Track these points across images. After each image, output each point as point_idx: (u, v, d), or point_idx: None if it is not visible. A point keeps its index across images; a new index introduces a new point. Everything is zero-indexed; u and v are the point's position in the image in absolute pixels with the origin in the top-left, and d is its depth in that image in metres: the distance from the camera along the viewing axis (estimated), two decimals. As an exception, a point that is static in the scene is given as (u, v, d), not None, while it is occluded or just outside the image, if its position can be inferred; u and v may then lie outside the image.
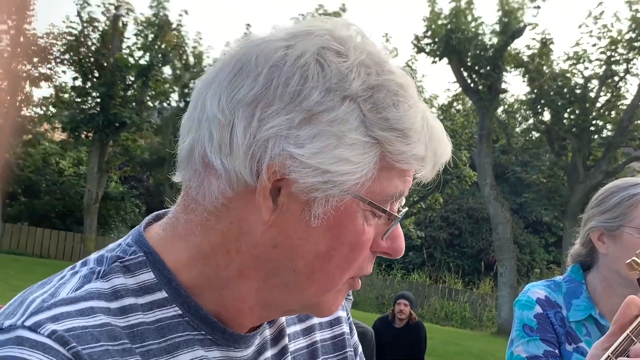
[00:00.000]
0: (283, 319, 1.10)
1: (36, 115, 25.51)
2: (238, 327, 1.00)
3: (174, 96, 25.21)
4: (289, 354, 1.09)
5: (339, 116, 0.88)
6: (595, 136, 19.65)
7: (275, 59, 0.90)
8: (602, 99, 19.82)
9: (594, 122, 19.47)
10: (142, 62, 23.39)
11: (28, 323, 0.87)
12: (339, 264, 0.94)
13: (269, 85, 0.89)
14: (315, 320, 1.17)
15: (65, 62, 23.98)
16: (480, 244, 28.11)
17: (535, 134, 23.65)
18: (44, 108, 25.55)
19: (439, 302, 21.15)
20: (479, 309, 20.82)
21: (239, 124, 0.89)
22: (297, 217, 0.91)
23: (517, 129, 25.06)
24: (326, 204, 0.90)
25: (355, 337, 1.24)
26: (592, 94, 19.62)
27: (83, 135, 23.42)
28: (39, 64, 24.02)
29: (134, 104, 23.48)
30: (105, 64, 23.04)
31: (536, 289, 2.11)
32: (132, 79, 23.37)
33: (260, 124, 0.89)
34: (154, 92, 24.20)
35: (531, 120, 22.73)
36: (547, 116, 20.33)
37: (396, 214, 0.95)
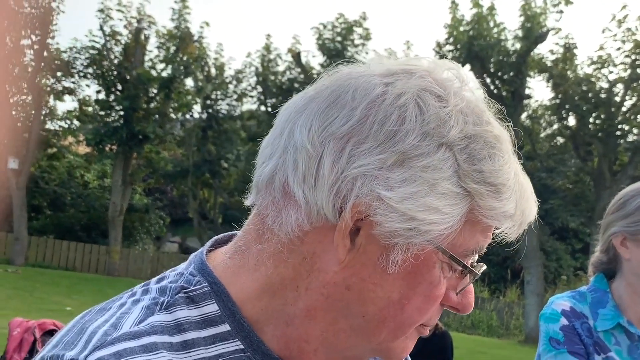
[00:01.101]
0: None
1: (60, 129, 25.80)
2: None
3: (197, 108, 25.44)
4: None
5: (433, 163, 0.84)
6: (622, 141, 19.45)
7: (373, 95, 0.87)
8: (628, 103, 19.62)
9: (619, 126, 19.28)
10: (164, 74, 23.60)
11: (91, 359, 0.84)
12: (410, 313, 0.90)
13: (365, 121, 0.86)
14: None
15: (89, 75, 24.25)
16: (506, 252, 27.89)
17: (560, 140, 23.47)
18: (68, 122, 25.84)
19: (465, 310, 20.97)
20: (505, 317, 20.63)
21: (327, 156, 0.86)
22: (374, 261, 0.88)
23: (542, 135, 24.86)
24: (407, 252, 0.87)
25: None
26: (618, 98, 19.43)
27: (107, 148, 23.66)
28: (63, 78, 24.31)
29: (156, 116, 23.68)
30: (128, 77, 23.26)
31: (560, 301, 2.05)
32: (155, 91, 23.58)
33: (350, 160, 0.85)
34: (176, 104, 24.38)
35: (556, 126, 22.55)
36: (572, 121, 20.17)
37: (475, 270, 0.91)
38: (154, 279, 0.97)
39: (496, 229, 0.91)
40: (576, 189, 20.27)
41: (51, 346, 0.87)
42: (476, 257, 0.93)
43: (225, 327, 0.92)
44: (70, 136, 26.01)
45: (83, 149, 27.02)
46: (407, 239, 0.86)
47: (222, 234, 1.03)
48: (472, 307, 0.94)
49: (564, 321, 1.99)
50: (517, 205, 0.88)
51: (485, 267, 0.94)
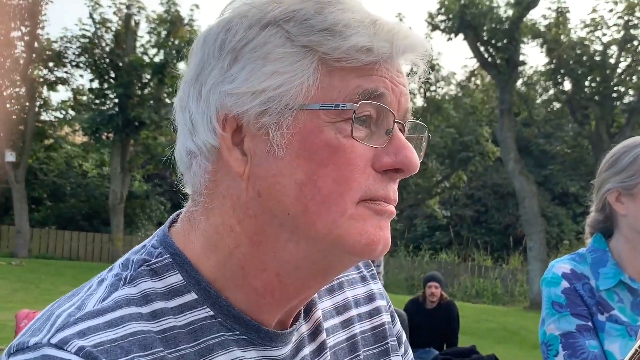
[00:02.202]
0: (319, 313, 1.04)
1: (56, 120, 25.74)
2: (273, 316, 0.95)
3: (191, 91, 25.30)
4: (328, 349, 1.03)
5: (261, 41, 0.88)
6: (618, 103, 19.42)
7: (204, 33, 0.96)
8: (623, 65, 19.60)
9: (615, 88, 19.25)
10: (156, 59, 23.47)
11: (54, 340, 0.83)
12: (328, 187, 0.86)
13: (203, 55, 0.93)
14: (354, 312, 1.11)
15: (81, 64, 24.14)
16: (507, 220, 27.98)
17: (557, 105, 23.43)
18: (63, 112, 25.78)
19: (469, 280, 21.09)
20: (510, 285, 20.74)
21: (191, 100, 0.93)
22: (264, 155, 0.88)
23: (538, 101, 24.82)
24: (280, 127, 0.87)
25: (398, 325, 1.18)
26: (612, 60, 19.40)
27: (104, 137, 23.61)
28: (55, 68, 24.21)
29: (151, 102, 23.60)
30: (120, 64, 23.15)
31: (560, 264, 2.05)
32: (148, 77, 23.47)
33: (204, 86, 0.91)
34: (170, 89, 24.29)
35: (552, 91, 22.52)
36: (567, 86, 20.14)
37: (381, 104, 0.87)
38: (120, 258, 0.97)
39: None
40: (574, 153, 20.29)
41: (20, 335, 0.87)
42: (407, 117, 0.92)
43: (191, 296, 0.92)
44: (66, 126, 25.96)
45: (80, 138, 26.98)
46: (271, 113, 0.87)
47: (184, 208, 1.03)
48: (413, 162, 0.90)
49: (565, 284, 2.00)
50: (375, 39, 0.86)
51: (412, 121, 0.94)
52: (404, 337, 1.19)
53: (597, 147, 18.67)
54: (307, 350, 1.01)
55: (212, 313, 0.91)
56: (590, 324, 1.96)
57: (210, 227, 0.93)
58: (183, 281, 0.92)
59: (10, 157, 20.96)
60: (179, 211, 1.02)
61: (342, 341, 1.08)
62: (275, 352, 0.95)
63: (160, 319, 0.89)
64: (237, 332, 0.92)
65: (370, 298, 1.15)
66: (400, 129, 0.91)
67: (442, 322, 8.89)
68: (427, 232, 28.30)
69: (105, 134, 23.39)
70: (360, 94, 0.86)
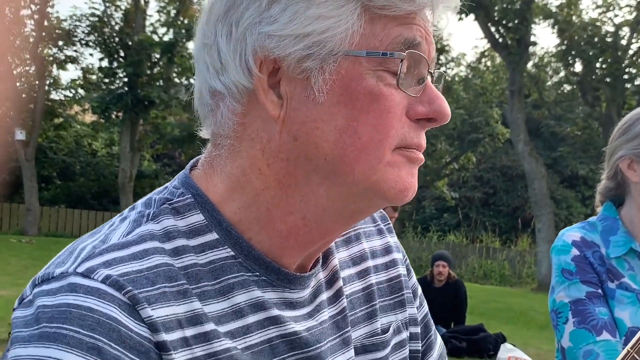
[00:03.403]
0: (336, 261, 1.05)
1: (65, 99, 25.78)
2: (294, 260, 0.96)
3: (200, 71, 25.28)
4: (345, 296, 1.04)
5: None
6: (629, 84, 19.29)
7: None
8: (634, 46, 19.45)
9: (627, 70, 19.11)
10: (165, 39, 23.45)
11: (80, 269, 0.85)
12: (368, 134, 0.87)
13: None
14: (370, 263, 1.12)
15: (91, 43, 24.13)
16: (516, 202, 27.93)
17: (567, 87, 23.30)
18: (73, 91, 25.82)
19: (476, 261, 21.11)
20: (517, 266, 20.75)
21: (220, 37, 0.90)
22: (303, 99, 0.88)
23: (549, 83, 24.69)
24: (323, 72, 0.87)
25: (414, 278, 1.19)
26: (624, 42, 19.24)
27: (113, 116, 23.64)
28: (65, 47, 24.21)
29: (160, 81, 23.60)
30: (130, 43, 23.13)
31: (571, 232, 2.05)
32: (158, 56, 23.46)
33: (237, 25, 0.89)
34: (180, 69, 24.28)
35: (562, 73, 22.38)
36: (578, 67, 20.02)
37: (402, 55, 0.88)
38: (142, 199, 0.98)
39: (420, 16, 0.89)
40: (584, 135, 20.21)
41: (44, 268, 0.89)
42: (434, 65, 0.92)
43: (213, 236, 0.93)
44: (75, 105, 25.99)
45: (89, 117, 27.02)
46: (315, 58, 0.86)
47: (205, 152, 1.03)
48: (446, 112, 0.92)
49: (575, 252, 2.00)
50: None
51: (441, 70, 0.94)
52: (420, 290, 1.20)
53: (608, 129, 18.54)
54: (324, 295, 1.02)
55: (232, 253, 0.92)
56: (600, 291, 1.96)
57: (237, 170, 0.93)
58: (205, 221, 0.93)
59: (20, 135, 21.03)
60: (198, 157, 1.02)
61: (358, 291, 1.08)
62: (294, 295, 0.96)
63: (182, 256, 0.90)
64: (257, 273, 0.93)
65: (387, 250, 1.16)
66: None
67: (449, 300, 8.92)
68: (435, 213, 28.29)
69: (115, 113, 23.42)
70: (401, 42, 0.87)
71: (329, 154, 0.88)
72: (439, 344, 1.24)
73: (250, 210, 0.93)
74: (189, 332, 0.86)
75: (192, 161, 1.02)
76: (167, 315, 0.85)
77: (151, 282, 0.86)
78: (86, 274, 0.84)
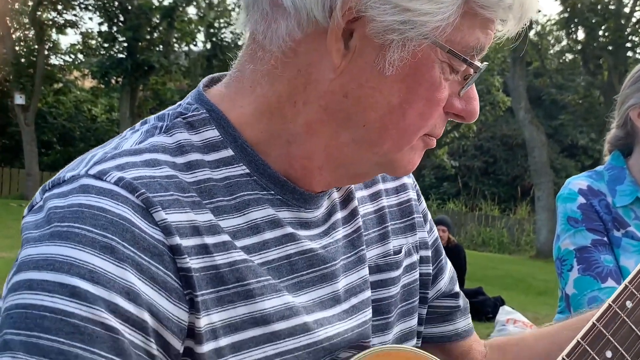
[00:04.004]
0: None
1: (65, 64, 25.64)
2: (307, 187, 0.96)
3: (200, 37, 25.15)
4: (360, 216, 1.05)
5: None
6: (631, 52, 19.20)
7: None
8: (638, 14, 19.31)
9: (629, 38, 19.00)
10: (165, 3, 23.24)
11: (92, 172, 0.84)
12: (413, 119, 0.89)
13: None
14: (381, 186, 1.13)
15: (90, 7, 23.92)
16: (515, 171, 27.92)
17: (569, 56, 23.18)
18: (72, 56, 25.66)
19: (475, 229, 21.17)
20: (516, 234, 20.81)
21: None
22: (370, 64, 0.86)
23: (551, 51, 24.56)
24: (403, 49, 0.85)
25: (424, 204, 1.20)
26: (627, 9, 19.10)
27: (113, 81, 23.53)
28: (64, 11, 23.99)
29: (160, 46, 23.45)
30: (129, 7, 22.93)
31: (577, 181, 2.05)
32: (157, 21, 23.26)
33: None
34: (179, 34, 24.11)
35: (565, 42, 22.25)
36: (581, 35, 19.89)
37: (478, 65, 0.89)
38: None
39: (496, 26, 0.89)
40: (586, 103, 20.16)
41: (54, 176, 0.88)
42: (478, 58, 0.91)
43: (228, 152, 0.92)
44: (75, 70, 25.86)
45: (89, 83, 26.91)
46: (402, 33, 0.84)
47: (218, 73, 1.02)
48: (476, 114, 0.93)
49: (581, 200, 2.00)
50: None
51: (486, 64, 0.93)
52: (429, 216, 1.21)
53: (609, 98, 18.51)
54: (339, 215, 1.02)
55: (247, 171, 0.92)
56: (605, 239, 1.97)
57: (273, 94, 0.91)
58: (220, 137, 0.92)
59: (19, 99, 20.96)
60: (211, 76, 1.01)
61: (371, 212, 1.09)
62: (308, 215, 0.97)
63: (196, 170, 0.89)
64: (272, 192, 0.93)
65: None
66: None
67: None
68: (435, 182, 28.30)
69: (114, 78, 23.31)
70: (476, 48, 0.88)
71: (371, 123, 0.89)
72: (449, 268, 1.26)
73: (272, 137, 0.92)
74: (209, 240, 0.86)
75: (205, 79, 1.00)
76: (181, 221, 0.84)
77: (164, 188, 0.85)
78: (98, 176, 0.83)
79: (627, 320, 0.94)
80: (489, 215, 22.15)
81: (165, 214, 0.82)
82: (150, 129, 0.92)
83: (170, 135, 0.91)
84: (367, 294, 1.02)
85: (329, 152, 0.92)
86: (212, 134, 0.92)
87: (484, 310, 8.44)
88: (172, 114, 0.94)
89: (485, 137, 28.81)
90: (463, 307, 1.28)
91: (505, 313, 7.81)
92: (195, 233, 0.85)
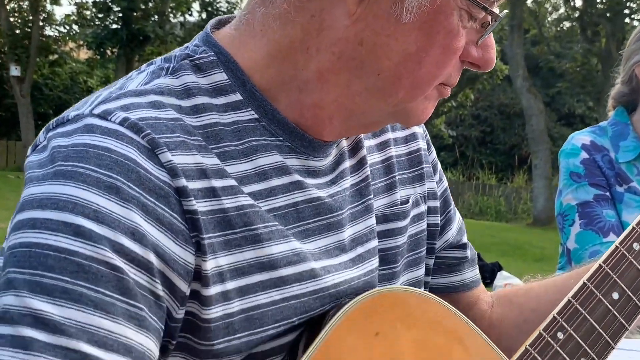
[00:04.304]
0: None
1: (60, 35, 25.42)
2: (315, 135, 0.96)
3: (196, 7, 24.94)
4: (368, 165, 1.05)
5: None
6: (629, 19, 19.09)
7: None
8: (636, -19, 19.14)
9: (627, 4, 18.87)
10: (160, -28, 23.01)
11: (97, 111, 0.83)
12: (428, 68, 0.88)
13: None
14: (390, 135, 1.12)
15: (84, -23, 23.67)
16: (513, 140, 27.88)
17: (567, 24, 23.03)
18: (67, 27, 25.43)
19: (473, 198, 21.19)
20: (513, 202, 20.85)
21: None
22: (387, 10, 0.85)
23: (549, 19, 24.39)
24: None
25: (434, 153, 1.20)
26: (626, -24, 18.95)
27: (108, 52, 23.36)
28: (58, -19, 23.73)
29: (155, 16, 23.24)
30: (124, -23, 22.70)
31: (580, 136, 2.06)
32: (152, -10, 23.05)
33: None
34: (175, 4, 23.89)
35: (562, 9, 22.09)
36: (578, 2, 19.75)
37: (497, 13, 0.88)
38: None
39: None
40: (583, 71, 20.08)
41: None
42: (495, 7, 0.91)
43: (236, 97, 0.91)
44: (70, 42, 25.65)
45: (84, 54, 26.70)
46: None
47: (226, 15, 1.00)
48: (493, 63, 0.93)
49: (584, 155, 2.01)
50: None
51: (506, 12, 0.92)
52: (439, 166, 1.21)
53: (607, 65, 18.45)
54: (347, 163, 1.02)
55: (256, 116, 0.91)
56: (608, 194, 1.99)
57: (285, 39, 0.89)
58: (228, 80, 0.91)
59: (15, 71, 20.81)
60: (218, 18, 1.00)
61: (378, 162, 1.09)
62: (316, 163, 0.96)
63: (203, 114, 0.88)
64: (281, 138, 0.93)
65: None
66: None
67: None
68: (432, 151, 28.23)
69: (110, 49, 23.14)
70: None
71: (386, 72, 0.88)
72: (458, 219, 1.26)
73: (282, 84, 0.92)
74: (217, 183, 0.85)
75: (212, 21, 0.99)
76: (188, 164, 0.83)
77: (170, 130, 0.84)
78: (103, 116, 0.82)
79: (635, 262, 0.96)
80: (486, 184, 22.16)
81: (172, 155, 0.82)
82: (157, 70, 0.91)
83: (177, 77, 0.89)
84: (374, 243, 1.03)
85: (341, 101, 0.92)
86: (220, 77, 0.91)
87: (482, 275, 8.43)
88: (179, 56, 0.92)
89: (483, 106, 28.71)
90: (471, 258, 1.28)
91: (502, 278, 7.85)
92: (202, 176, 0.84)
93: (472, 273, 1.29)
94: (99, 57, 24.11)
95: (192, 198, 0.82)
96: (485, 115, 28.80)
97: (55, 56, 25.72)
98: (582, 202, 1.98)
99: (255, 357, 0.91)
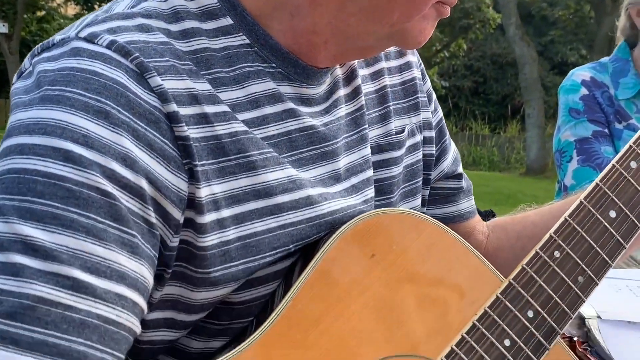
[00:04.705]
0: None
1: (46, -10, 25.09)
2: (309, 62, 0.94)
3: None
4: (363, 94, 1.03)
5: None
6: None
7: None
8: None
9: (621, -51, 18.67)
10: None
11: (83, 34, 0.80)
12: None
13: None
14: (384, 65, 1.10)
15: None
16: (506, 90, 27.81)
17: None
18: (53, -18, 25.08)
19: (466, 148, 21.23)
20: (506, 152, 20.91)
21: None
22: None
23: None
24: None
25: (429, 83, 1.18)
26: None
27: (96, 6, 23.07)
28: None
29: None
30: None
31: (581, 72, 2.05)
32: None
33: None
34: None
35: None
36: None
37: None
38: None
39: None
40: (576, 18, 19.94)
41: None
42: None
43: (227, 21, 0.89)
44: (57, -3, 25.34)
45: (72, 9, 26.38)
46: None
47: None
48: None
49: (584, 91, 2.00)
50: None
51: None
52: (434, 96, 1.20)
53: (600, 11, 18.32)
54: (341, 92, 1.00)
55: (248, 41, 0.89)
56: (606, 130, 1.98)
57: None
58: (217, 4, 0.89)
59: (2, 27, 20.58)
60: None
61: (372, 92, 1.07)
62: (310, 91, 0.95)
63: (192, 39, 0.86)
64: (274, 65, 0.91)
65: (401, 53, 1.15)
66: None
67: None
68: (425, 103, 28.18)
69: (97, 3, 22.87)
70: None
71: None
72: (453, 149, 1.25)
73: (274, 9, 0.89)
74: (209, 109, 0.84)
75: None
76: (179, 89, 0.81)
77: (159, 54, 0.81)
78: (89, 39, 0.80)
79: (632, 180, 0.95)
80: (479, 135, 22.18)
81: (161, 80, 0.80)
82: None
83: (165, 0, 0.87)
84: (369, 173, 1.02)
85: (335, 25, 0.90)
86: (209, 0, 0.89)
87: (476, 224, 8.53)
88: None
89: (476, 57, 28.56)
90: (466, 189, 1.28)
91: (497, 226, 7.90)
92: (193, 101, 0.82)
93: (468, 203, 1.28)
94: (86, 12, 23.80)
95: (184, 124, 0.81)
96: (478, 66, 28.65)
97: (43, 12, 25.41)
98: (580, 139, 1.97)
99: (251, 284, 0.91)
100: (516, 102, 25.54)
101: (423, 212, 1.18)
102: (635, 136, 0.97)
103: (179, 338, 0.92)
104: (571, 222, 0.91)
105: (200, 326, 0.92)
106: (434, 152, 1.18)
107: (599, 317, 1.33)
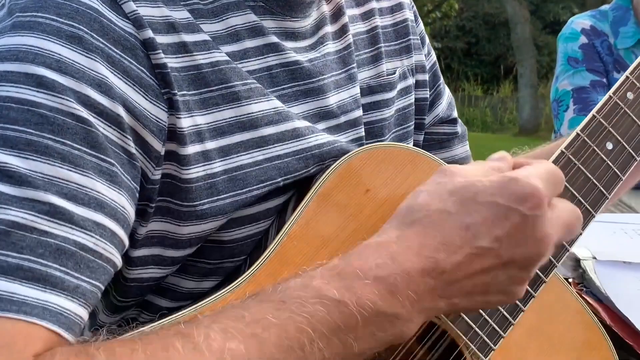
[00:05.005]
0: None
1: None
2: None
3: None
4: (350, 34, 1.00)
5: None
6: None
7: None
8: None
9: None
10: None
11: None
12: None
13: None
14: (374, 5, 1.07)
15: None
16: (498, 50, 27.66)
17: None
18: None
19: (459, 109, 21.06)
20: (499, 113, 20.89)
21: None
22: None
23: None
24: None
25: (422, 26, 1.15)
26: None
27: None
28: None
29: None
30: None
31: (580, 20, 2.02)
32: None
33: None
34: None
35: None
36: None
37: None
38: None
39: None
40: (569, -24, 19.79)
41: None
42: None
43: None
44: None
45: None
46: None
47: None
48: None
49: (583, 39, 1.97)
50: None
51: None
52: (427, 39, 1.17)
53: (593, -31, 18.21)
54: (328, 29, 0.98)
55: None
56: (605, 80, 1.96)
57: None
58: None
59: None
60: None
61: (362, 32, 1.05)
62: (295, 25, 0.92)
63: None
64: None
65: None
66: None
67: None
68: (417, 65, 28.05)
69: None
70: None
71: None
72: (447, 94, 1.23)
73: None
74: (188, 37, 0.81)
75: None
76: (154, 16, 0.79)
77: None
78: None
79: (629, 111, 0.93)
80: (472, 96, 22.12)
81: (136, 6, 0.77)
82: None
83: None
84: (358, 113, 1.00)
85: None
86: None
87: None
88: None
89: (468, 17, 28.35)
90: (461, 134, 1.26)
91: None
92: (170, 30, 0.80)
93: (463, 149, 1.27)
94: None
95: (161, 52, 0.78)
96: (470, 26, 28.46)
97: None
98: (578, 88, 1.96)
99: (242, 222, 0.89)
100: (509, 63, 25.43)
101: None
102: (632, 66, 0.95)
103: (168, 276, 0.91)
104: (567, 153, 0.90)
105: (190, 265, 0.91)
106: (428, 96, 1.16)
107: (594, 258, 1.33)
